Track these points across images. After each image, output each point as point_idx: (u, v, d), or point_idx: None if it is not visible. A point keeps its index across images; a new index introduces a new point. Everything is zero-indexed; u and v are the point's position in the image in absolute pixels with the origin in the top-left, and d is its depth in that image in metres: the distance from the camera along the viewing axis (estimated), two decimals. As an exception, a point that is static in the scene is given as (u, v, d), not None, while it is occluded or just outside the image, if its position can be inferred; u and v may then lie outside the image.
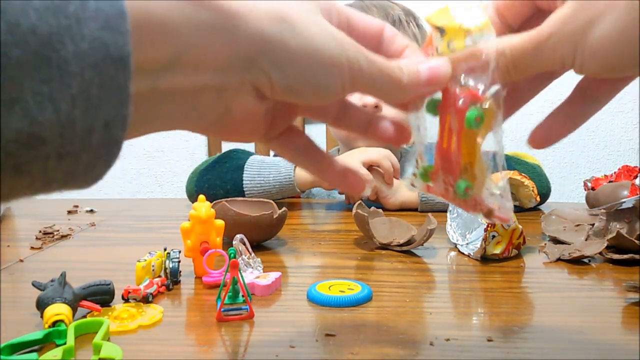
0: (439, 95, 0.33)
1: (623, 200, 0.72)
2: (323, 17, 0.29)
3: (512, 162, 1.02)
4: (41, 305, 0.50)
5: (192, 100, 0.27)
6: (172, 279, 0.61)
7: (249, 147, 1.40)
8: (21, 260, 0.72)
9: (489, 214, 0.35)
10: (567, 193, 2.02)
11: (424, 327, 0.50)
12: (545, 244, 0.72)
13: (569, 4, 0.30)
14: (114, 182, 2.03)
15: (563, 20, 0.30)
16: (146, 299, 0.55)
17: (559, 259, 0.68)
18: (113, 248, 0.80)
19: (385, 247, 0.74)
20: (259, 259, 0.64)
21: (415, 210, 0.99)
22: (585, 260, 0.68)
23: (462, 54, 0.32)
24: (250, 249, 0.63)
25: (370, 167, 0.97)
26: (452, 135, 0.33)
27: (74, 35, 0.19)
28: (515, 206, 0.88)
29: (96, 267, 0.70)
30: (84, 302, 0.52)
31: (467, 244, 0.71)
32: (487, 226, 0.67)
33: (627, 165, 0.89)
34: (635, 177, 0.85)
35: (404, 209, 1.00)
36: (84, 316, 0.52)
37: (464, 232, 0.73)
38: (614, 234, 0.67)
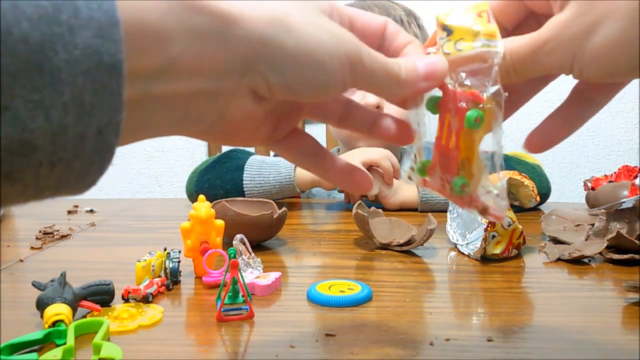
0: (439, 92, 0.33)
1: (623, 200, 0.72)
2: (323, 16, 0.29)
3: (512, 162, 1.02)
4: (41, 305, 0.50)
5: (187, 105, 0.26)
6: (172, 279, 0.61)
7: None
8: (21, 260, 0.72)
9: (483, 211, 0.35)
10: (567, 193, 2.02)
11: (424, 327, 0.50)
12: (545, 244, 0.72)
13: (568, 9, 0.30)
14: (114, 182, 2.03)
15: (562, 25, 0.30)
16: (146, 299, 0.55)
17: (559, 259, 0.68)
18: (113, 248, 0.80)
19: (385, 247, 0.74)
20: (259, 259, 0.64)
21: (415, 210, 0.99)
22: (585, 260, 0.68)
23: (470, 54, 0.32)
24: (250, 249, 0.63)
25: (370, 167, 0.97)
26: (451, 134, 0.33)
27: (66, 43, 0.20)
28: (515, 206, 0.89)
29: (96, 267, 0.70)
30: (84, 302, 0.52)
31: (467, 244, 0.71)
32: (487, 226, 0.67)
33: (627, 165, 0.89)
34: (635, 177, 0.86)
35: (404, 209, 1.00)
36: (84, 316, 0.52)
37: (464, 232, 0.73)
38: (614, 234, 0.67)
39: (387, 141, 0.36)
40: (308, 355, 0.44)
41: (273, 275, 0.60)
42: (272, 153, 1.32)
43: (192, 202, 0.81)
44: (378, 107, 0.94)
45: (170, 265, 0.61)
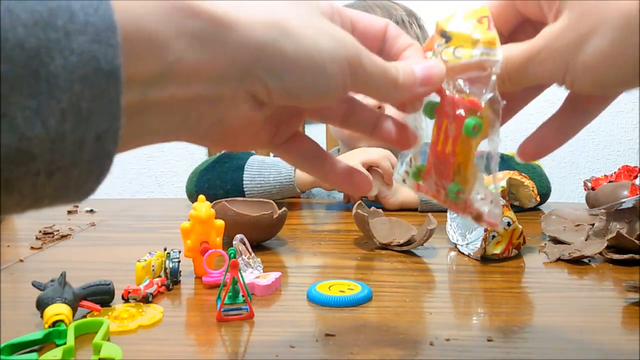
0: (437, 98, 0.33)
1: (623, 200, 0.72)
2: (324, 18, 0.29)
3: (512, 162, 1.02)
4: (41, 305, 0.50)
5: (185, 111, 0.26)
6: (172, 279, 0.61)
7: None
8: (21, 260, 0.72)
9: (478, 217, 0.35)
10: (567, 193, 2.02)
11: (424, 327, 0.50)
12: (545, 244, 0.73)
13: (561, 19, 0.30)
14: (114, 182, 2.03)
15: (554, 36, 0.30)
16: (146, 299, 0.55)
17: (559, 259, 0.68)
18: (113, 248, 0.80)
19: (385, 247, 0.74)
20: (259, 259, 0.64)
21: (415, 210, 0.99)
22: (585, 260, 0.68)
23: (469, 62, 0.32)
24: (250, 249, 0.63)
25: (369, 167, 0.97)
26: (447, 139, 0.33)
27: (62, 48, 0.19)
28: (515, 206, 0.88)
29: (96, 267, 0.70)
30: (84, 302, 0.52)
31: (467, 244, 0.71)
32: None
33: (627, 165, 0.89)
34: (635, 177, 0.86)
35: (404, 209, 1.00)
36: (84, 316, 0.52)
37: (464, 232, 0.73)
38: (614, 234, 0.67)
39: (389, 144, 0.36)
40: (308, 355, 0.44)
41: (273, 275, 0.60)
42: (272, 153, 1.32)
43: (192, 202, 0.81)
44: (380, 107, 0.94)
45: (170, 265, 0.61)
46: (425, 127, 0.34)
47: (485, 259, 0.69)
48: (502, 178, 0.77)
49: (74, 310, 0.51)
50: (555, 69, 0.31)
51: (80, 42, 0.20)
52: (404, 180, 0.37)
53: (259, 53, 0.26)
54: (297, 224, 0.93)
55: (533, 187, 0.87)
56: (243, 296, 0.53)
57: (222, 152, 1.10)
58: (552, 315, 0.52)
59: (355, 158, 0.97)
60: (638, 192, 0.79)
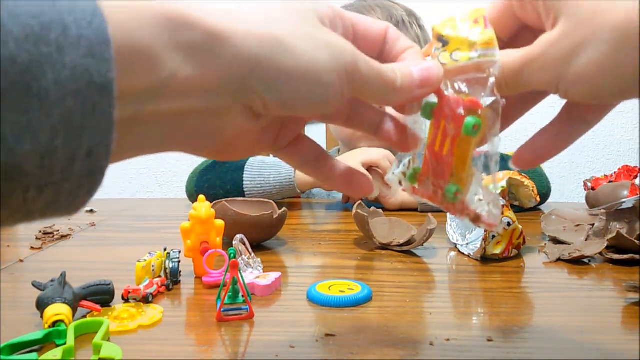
0: (435, 99, 0.33)
1: (623, 200, 0.72)
2: (322, 25, 0.28)
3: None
4: (41, 305, 0.50)
5: (180, 124, 0.26)
6: (172, 279, 0.61)
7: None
8: (21, 260, 0.72)
9: (476, 219, 0.35)
10: (567, 193, 2.02)
11: (424, 327, 0.50)
12: (545, 244, 0.73)
13: (558, 27, 0.30)
14: (114, 182, 2.03)
15: (550, 44, 0.30)
16: (146, 299, 0.55)
17: (559, 259, 0.68)
18: (113, 248, 0.80)
19: (385, 247, 0.74)
20: (259, 259, 0.64)
21: (415, 210, 0.99)
22: (585, 260, 0.68)
23: (467, 64, 0.32)
24: (250, 249, 0.64)
25: (370, 167, 0.97)
26: (446, 140, 0.33)
27: (54, 63, 0.19)
28: (515, 206, 0.89)
29: (96, 267, 0.70)
30: (84, 302, 0.52)
31: (467, 244, 0.71)
32: (487, 226, 0.67)
33: (627, 165, 0.89)
34: (635, 177, 0.86)
35: (404, 209, 1.00)
36: (84, 316, 0.52)
37: (464, 232, 0.73)
38: (614, 234, 0.67)
39: (392, 145, 0.35)
40: (308, 355, 0.44)
41: (273, 275, 0.60)
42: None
43: (192, 202, 0.81)
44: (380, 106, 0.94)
45: (170, 265, 0.61)
46: (425, 128, 0.34)
47: (485, 259, 0.69)
48: (502, 178, 0.77)
49: (74, 310, 0.51)
50: (549, 77, 0.30)
51: (73, 56, 0.19)
52: (400, 182, 0.37)
53: (254, 66, 0.25)
54: (297, 224, 0.93)
55: (533, 187, 0.87)
56: (243, 296, 0.53)
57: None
58: (552, 315, 0.52)
59: (356, 158, 0.97)
60: (638, 192, 0.79)
